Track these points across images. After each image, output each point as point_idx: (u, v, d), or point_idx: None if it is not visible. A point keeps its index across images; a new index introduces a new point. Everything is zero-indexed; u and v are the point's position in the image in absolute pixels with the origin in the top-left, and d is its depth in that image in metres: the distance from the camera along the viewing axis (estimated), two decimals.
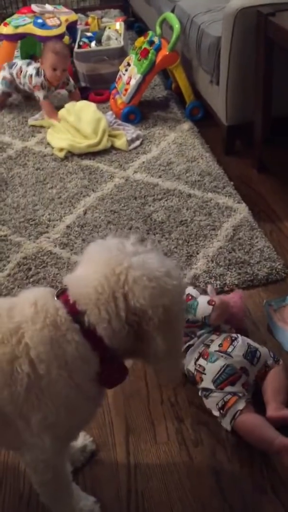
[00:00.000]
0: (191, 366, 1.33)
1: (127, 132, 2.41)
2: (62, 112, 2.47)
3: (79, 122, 2.39)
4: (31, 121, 2.62)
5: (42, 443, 0.87)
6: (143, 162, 2.27)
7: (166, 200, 2.02)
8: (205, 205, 1.98)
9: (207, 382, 1.28)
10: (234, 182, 2.11)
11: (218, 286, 1.62)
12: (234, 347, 1.31)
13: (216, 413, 1.26)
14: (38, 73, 2.59)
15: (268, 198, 2.04)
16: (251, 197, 2.04)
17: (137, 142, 2.39)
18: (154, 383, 1.38)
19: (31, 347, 0.81)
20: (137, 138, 2.39)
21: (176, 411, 1.31)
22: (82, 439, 1.21)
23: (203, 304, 1.38)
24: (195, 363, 1.32)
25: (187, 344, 1.35)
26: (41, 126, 2.60)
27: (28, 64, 2.68)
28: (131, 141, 2.37)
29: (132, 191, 2.09)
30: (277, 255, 1.73)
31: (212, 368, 1.28)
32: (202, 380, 1.29)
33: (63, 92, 2.82)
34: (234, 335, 1.36)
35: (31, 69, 2.62)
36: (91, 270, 0.83)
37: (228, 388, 1.25)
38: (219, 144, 2.35)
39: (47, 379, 0.81)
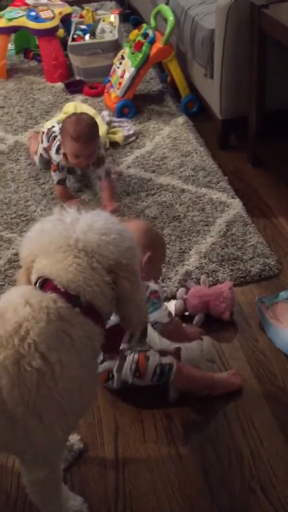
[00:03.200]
0: None
1: (124, 129, 2.38)
2: (64, 110, 2.42)
3: None
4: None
5: (53, 436, 0.88)
6: (137, 157, 2.25)
7: (159, 196, 2.00)
8: (198, 200, 1.96)
9: None
10: (228, 176, 2.09)
11: (210, 282, 1.60)
12: None
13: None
14: (58, 150, 1.94)
15: (262, 193, 2.02)
16: (245, 192, 2.02)
17: (133, 138, 2.37)
18: None
19: (39, 343, 0.82)
20: (133, 134, 2.37)
21: (165, 410, 1.30)
22: (69, 438, 1.20)
23: (161, 313, 1.26)
24: None
25: None
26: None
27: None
28: (127, 136, 2.35)
29: (125, 186, 2.07)
30: (270, 251, 1.71)
31: None
32: None
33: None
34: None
35: (58, 131, 1.99)
36: (59, 257, 0.86)
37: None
38: (214, 138, 2.32)
39: (59, 366, 0.83)
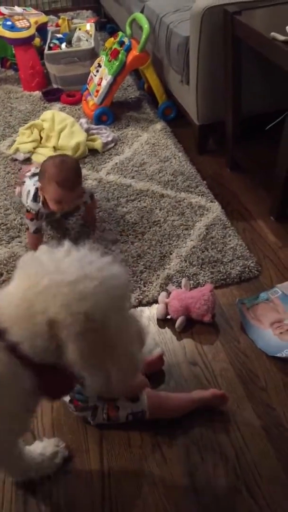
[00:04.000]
0: None
1: (102, 136, 2.39)
2: (42, 118, 2.42)
3: (56, 133, 2.33)
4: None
5: None
6: (116, 163, 2.26)
7: (139, 201, 2.01)
8: (178, 205, 1.98)
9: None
10: (207, 181, 2.11)
11: (191, 285, 1.61)
12: None
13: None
14: (36, 198, 1.70)
15: (241, 196, 2.04)
16: (224, 196, 2.04)
17: (111, 145, 2.37)
18: None
19: None
20: (112, 141, 2.38)
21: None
22: (52, 447, 1.19)
23: None
24: None
25: None
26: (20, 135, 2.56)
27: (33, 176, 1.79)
28: (106, 143, 2.36)
29: (105, 193, 2.08)
30: (249, 253, 1.73)
31: None
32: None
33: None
34: None
35: (31, 185, 1.75)
36: (16, 285, 0.79)
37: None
38: (192, 143, 2.35)
39: None
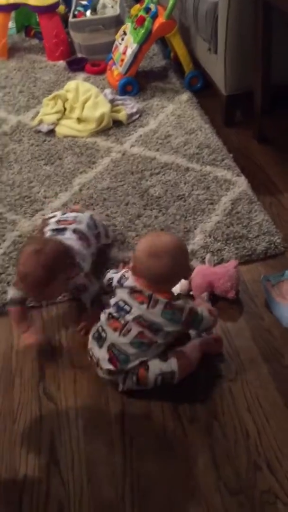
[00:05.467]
0: None
1: (127, 107, 2.35)
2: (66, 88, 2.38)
3: (80, 104, 2.30)
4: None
5: None
6: (141, 135, 2.22)
7: (164, 174, 1.98)
8: (203, 178, 1.94)
9: None
10: (233, 154, 2.05)
11: (215, 261, 1.59)
12: None
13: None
14: None
15: (268, 170, 1.99)
16: (250, 169, 1.99)
17: (136, 116, 2.33)
18: None
19: None
20: (136, 112, 2.34)
21: (172, 388, 1.30)
22: None
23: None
24: None
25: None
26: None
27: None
28: (131, 115, 2.32)
29: (129, 166, 2.05)
30: (276, 229, 1.69)
31: None
32: None
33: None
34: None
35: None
36: None
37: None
38: (219, 115, 2.29)
39: None
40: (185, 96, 2.44)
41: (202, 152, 2.07)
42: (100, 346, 1.28)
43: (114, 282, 1.34)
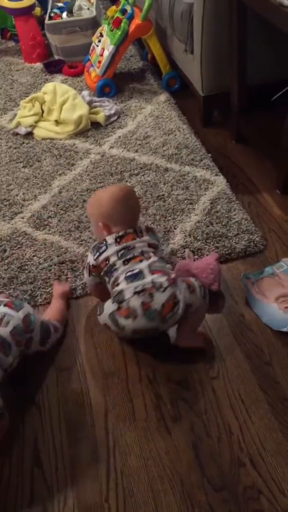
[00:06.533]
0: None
1: (105, 108, 2.35)
2: (43, 91, 2.37)
3: (58, 106, 2.28)
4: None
5: None
6: (119, 136, 2.22)
7: (143, 175, 1.98)
8: (182, 179, 1.95)
9: None
10: (211, 154, 2.07)
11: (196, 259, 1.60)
12: None
13: None
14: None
15: (246, 169, 2.01)
16: (229, 169, 2.01)
17: (115, 117, 2.33)
18: (133, 361, 1.38)
19: None
20: (115, 114, 2.34)
21: (155, 388, 1.31)
22: None
23: None
24: None
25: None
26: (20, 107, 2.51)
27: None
28: (109, 116, 2.32)
29: (108, 167, 2.05)
30: (255, 227, 1.71)
31: None
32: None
33: None
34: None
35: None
36: None
37: None
38: (197, 115, 2.30)
39: None
40: (163, 97, 2.46)
41: (180, 153, 2.08)
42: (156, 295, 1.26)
43: (111, 261, 1.34)
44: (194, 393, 1.29)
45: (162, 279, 1.27)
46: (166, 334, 1.40)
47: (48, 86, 2.37)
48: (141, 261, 1.31)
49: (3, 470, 1.19)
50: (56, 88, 2.35)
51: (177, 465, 1.16)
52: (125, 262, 1.32)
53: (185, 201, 1.84)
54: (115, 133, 2.25)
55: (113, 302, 1.28)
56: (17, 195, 1.95)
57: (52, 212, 1.85)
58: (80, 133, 2.25)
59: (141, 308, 1.24)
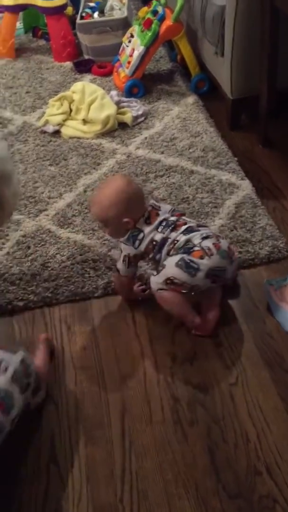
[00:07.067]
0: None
1: (132, 109, 2.35)
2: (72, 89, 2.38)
3: (86, 105, 2.29)
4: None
5: None
6: (146, 137, 2.22)
7: (168, 177, 1.98)
8: (207, 182, 1.94)
9: None
10: (238, 157, 2.05)
11: None
12: None
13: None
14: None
15: (272, 174, 1.99)
16: (254, 173, 1.99)
17: (142, 118, 2.34)
18: (151, 363, 1.37)
19: None
20: (142, 115, 2.34)
21: (172, 391, 1.31)
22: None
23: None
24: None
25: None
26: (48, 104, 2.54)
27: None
28: (136, 117, 2.32)
29: (133, 168, 2.05)
30: (279, 233, 1.69)
31: None
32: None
33: None
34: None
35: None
36: None
37: None
38: (224, 118, 2.29)
39: None
40: (191, 99, 2.45)
41: (207, 155, 2.07)
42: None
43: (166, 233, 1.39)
44: (211, 398, 1.28)
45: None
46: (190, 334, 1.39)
47: (77, 85, 2.39)
48: (185, 223, 1.40)
49: (20, 466, 1.20)
50: (85, 88, 2.36)
51: (193, 470, 1.16)
52: (173, 229, 1.39)
53: (210, 205, 1.83)
54: (141, 134, 2.25)
55: (177, 254, 1.35)
56: (42, 193, 1.97)
57: (77, 211, 1.87)
58: (107, 133, 2.26)
59: (214, 247, 1.34)
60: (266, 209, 1.80)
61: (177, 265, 1.32)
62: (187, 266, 1.31)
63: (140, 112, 2.33)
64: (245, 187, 1.89)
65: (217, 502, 1.10)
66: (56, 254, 1.70)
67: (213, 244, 1.35)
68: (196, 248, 1.33)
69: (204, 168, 2.01)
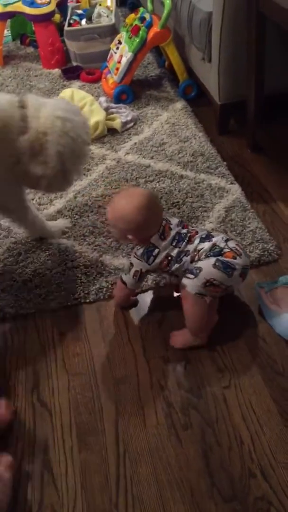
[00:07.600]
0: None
1: (121, 115, 2.36)
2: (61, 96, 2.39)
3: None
4: None
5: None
6: (135, 143, 2.23)
7: (158, 182, 1.99)
8: (197, 186, 1.95)
9: None
10: (227, 162, 2.07)
11: None
12: None
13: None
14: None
15: (262, 178, 2.01)
16: (244, 178, 2.00)
17: (131, 124, 2.35)
18: (144, 367, 1.38)
19: None
20: (131, 120, 2.35)
21: (166, 395, 1.31)
22: (61, 227, 1.82)
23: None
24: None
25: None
26: None
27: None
28: (125, 123, 2.33)
29: (123, 173, 2.06)
30: (269, 236, 1.70)
31: None
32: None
33: None
34: None
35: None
36: None
37: None
38: (213, 124, 2.30)
39: None
40: (179, 104, 2.46)
41: (196, 160, 2.08)
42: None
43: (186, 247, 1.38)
44: (205, 402, 1.29)
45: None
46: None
47: (66, 92, 2.39)
48: (197, 232, 1.41)
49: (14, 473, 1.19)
50: (74, 94, 2.37)
51: (187, 474, 1.16)
52: (188, 242, 1.38)
53: (200, 209, 1.84)
54: (131, 140, 2.26)
55: (209, 257, 1.33)
56: (32, 199, 1.96)
57: (67, 217, 1.87)
58: (97, 139, 2.27)
59: (239, 248, 1.37)
60: (256, 212, 1.81)
61: (214, 266, 1.32)
62: (224, 267, 1.32)
63: (129, 118, 2.34)
64: (235, 191, 1.91)
65: (212, 506, 1.10)
66: (48, 260, 1.70)
67: (236, 245, 1.38)
68: (226, 250, 1.34)
69: (194, 173, 2.02)
